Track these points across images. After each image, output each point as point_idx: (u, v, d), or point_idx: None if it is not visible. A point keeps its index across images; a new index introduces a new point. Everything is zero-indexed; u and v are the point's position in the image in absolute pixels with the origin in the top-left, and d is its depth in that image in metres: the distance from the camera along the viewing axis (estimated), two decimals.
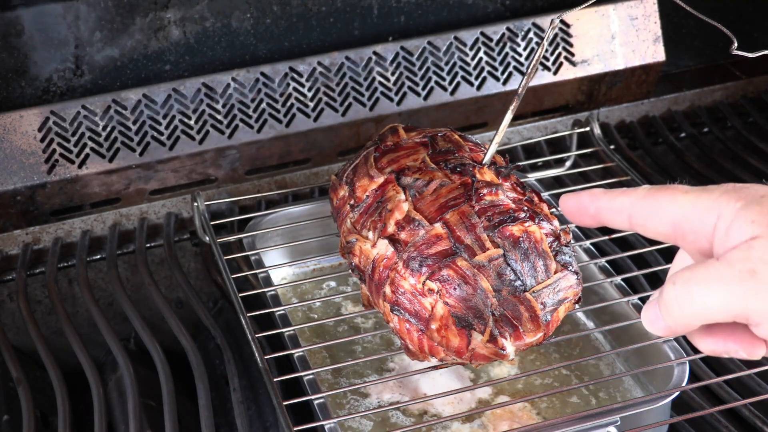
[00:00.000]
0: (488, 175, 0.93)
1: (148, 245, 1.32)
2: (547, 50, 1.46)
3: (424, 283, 0.86)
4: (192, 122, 1.34)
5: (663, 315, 0.58)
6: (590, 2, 0.81)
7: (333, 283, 1.21)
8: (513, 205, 0.90)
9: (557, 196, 1.28)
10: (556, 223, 0.91)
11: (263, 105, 1.36)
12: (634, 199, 0.61)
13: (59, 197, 1.31)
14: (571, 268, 0.89)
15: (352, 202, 0.97)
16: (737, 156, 1.50)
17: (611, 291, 1.09)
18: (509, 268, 0.85)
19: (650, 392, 1.03)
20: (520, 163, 1.29)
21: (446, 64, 1.43)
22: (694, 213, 0.58)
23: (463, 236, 0.87)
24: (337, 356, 1.09)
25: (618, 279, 1.09)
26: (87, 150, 1.30)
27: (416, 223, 0.89)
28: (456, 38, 1.43)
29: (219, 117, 1.34)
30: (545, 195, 1.20)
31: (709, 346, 0.61)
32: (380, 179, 0.96)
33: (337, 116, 1.39)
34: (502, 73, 1.45)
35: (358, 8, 1.43)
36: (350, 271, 0.97)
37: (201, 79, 1.34)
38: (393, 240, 0.90)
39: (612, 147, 1.36)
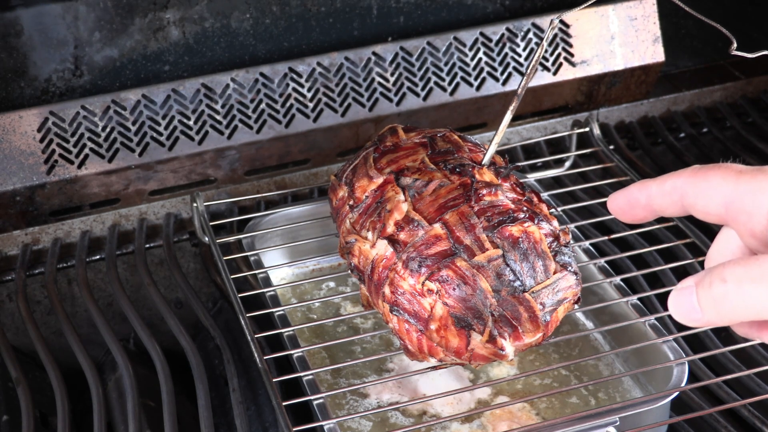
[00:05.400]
0: (488, 176, 0.93)
1: (147, 246, 1.32)
2: (546, 50, 1.46)
3: (423, 284, 0.86)
4: (191, 123, 1.34)
5: (706, 309, 0.55)
6: (590, 3, 0.81)
7: (332, 284, 1.21)
8: (512, 206, 0.90)
9: (557, 197, 1.28)
10: (555, 223, 0.91)
11: (262, 105, 1.36)
12: (685, 178, 0.59)
13: (58, 198, 1.31)
14: (570, 268, 0.89)
15: (351, 202, 0.97)
16: (736, 156, 1.50)
17: (610, 291, 1.09)
18: (508, 269, 0.85)
19: (649, 392, 1.03)
20: (520, 164, 1.29)
21: (445, 64, 1.43)
22: (747, 193, 0.56)
23: (463, 237, 0.87)
24: (337, 356, 1.09)
25: (617, 279, 1.09)
26: (86, 150, 1.30)
27: (415, 224, 0.89)
28: (455, 38, 1.43)
29: (218, 117, 1.34)
30: (545, 195, 1.20)
31: (744, 330, 0.59)
32: (379, 180, 0.96)
33: (336, 117, 1.39)
34: (502, 73, 1.45)
35: (357, 9, 1.43)
36: (349, 271, 0.97)
37: (200, 80, 1.34)
38: (392, 240, 0.90)
39: (611, 147, 1.36)
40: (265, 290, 1.07)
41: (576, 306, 0.91)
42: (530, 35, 1.46)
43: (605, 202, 1.32)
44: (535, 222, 0.89)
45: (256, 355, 0.95)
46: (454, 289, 0.85)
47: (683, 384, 0.97)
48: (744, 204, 0.56)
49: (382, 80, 1.40)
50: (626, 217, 0.63)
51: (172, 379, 1.08)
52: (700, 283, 0.55)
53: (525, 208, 0.90)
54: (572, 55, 1.48)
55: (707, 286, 0.55)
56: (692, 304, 0.55)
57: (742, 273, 0.53)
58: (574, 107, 1.53)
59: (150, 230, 1.35)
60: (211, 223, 1.16)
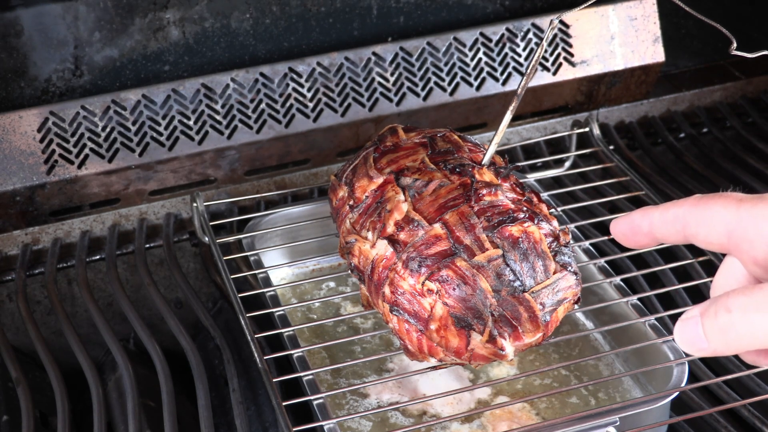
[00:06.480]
0: (487, 176, 0.93)
1: (147, 246, 1.32)
2: (546, 50, 1.46)
3: (423, 284, 0.86)
4: (191, 123, 1.34)
5: (712, 339, 0.55)
6: (590, 3, 0.81)
7: (332, 284, 1.21)
8: (512, 206, 0.90)
9: (557, 197, 1.28)
10: (555, 223, 0.91)
11: (262, 105, 1.36)
12: (686, 208, 0.59)
13: (58, 198, 1.31)
14: (570, 268, 0.89)
15: (351, 202, 0.97)
16: (736, 156, 1.51)
17: (610, 291, 1.09)
18: (508, 269, 0.85)
19: (649, 392, 1.03)
20: (520, 164, 1.29)
21: (445, 64, 1.43)
22: (749, 220, 0.56)
23: (463, 237, 0.87)
24: (337, 357, 1.09)
25: (617, 279, 1.09)
26: (86, 150, 1.30)
27: (415, 224, 0.89)
28: (455, 39, 1.43)
29: (218, 117, 1.34)
30: (544, 195, 1.20)
31: (752, 357, 0.60)
32: (379, 180, 0.96)
33: (336, 117, 1.39)
34: (502, 73, 1.45)
35: (357, 9, 1.43)
36: (349, 271, 0.97)
37: (200, 80, 1.34)
38: (392, 240, 0.90)
39: (611, 147, 1.36)
40: (265, 290, 1.07)
41: (576, 306, 0.91)
42: (530, 35, 1.46)
43: (605, 203, 1.32)
44: (535, 222, 0.89)
45: (256, 355, 0.95)
46: (454, 289, 0.85)
47: (683, 384, 0.97)
48: (746, 232, 0.56)
49: (382, 80, 1.40)
50: (629, 242, 0.64)
51: (172, 379, 1.08)
52: (705, 313, 0.55)
53: (525, 208, 0.90)
54: (572, 55, 1.48)
55: (712, 315, 0.55)
56: (698, 333, 0.55)
57: (747, 302, 0.53)
58: (574, 107, 1.53)
59: (150, 230, 1.35)
60: (211, 223, 1.16)
